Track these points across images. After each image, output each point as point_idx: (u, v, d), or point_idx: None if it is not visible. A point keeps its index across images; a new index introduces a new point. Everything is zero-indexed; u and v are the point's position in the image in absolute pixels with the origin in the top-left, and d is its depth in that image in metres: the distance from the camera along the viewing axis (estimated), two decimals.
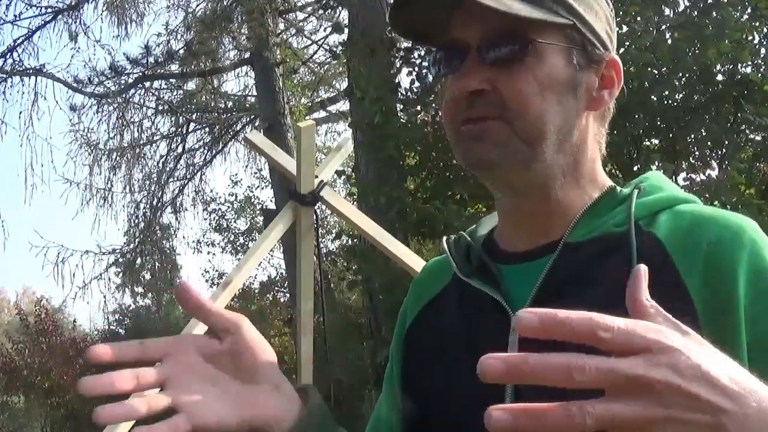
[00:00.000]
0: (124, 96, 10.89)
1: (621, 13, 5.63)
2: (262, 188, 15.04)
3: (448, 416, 0.86)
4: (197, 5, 10.81)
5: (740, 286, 0.75)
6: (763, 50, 5.71)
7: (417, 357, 0.95)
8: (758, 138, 5.69)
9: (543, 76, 0.82)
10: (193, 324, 3.05)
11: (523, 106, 0.82)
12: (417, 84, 6.76)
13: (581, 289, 0.81)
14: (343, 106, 10.91)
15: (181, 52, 10.70)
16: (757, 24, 5.62)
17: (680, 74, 5.62)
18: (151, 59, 10.61)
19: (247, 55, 10.74)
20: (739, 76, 5.49)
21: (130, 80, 10.86)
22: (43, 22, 10.41)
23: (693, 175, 5.60)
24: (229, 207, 15.57)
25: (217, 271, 15.56)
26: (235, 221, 15.81)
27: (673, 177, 5.23)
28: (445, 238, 0.98)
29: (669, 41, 5.60)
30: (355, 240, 7.26)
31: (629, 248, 0.81)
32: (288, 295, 11.89)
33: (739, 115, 5.45)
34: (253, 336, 0.78)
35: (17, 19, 10.23)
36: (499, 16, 0.80)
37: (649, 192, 0.87)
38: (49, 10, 10.45)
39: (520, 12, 0.80)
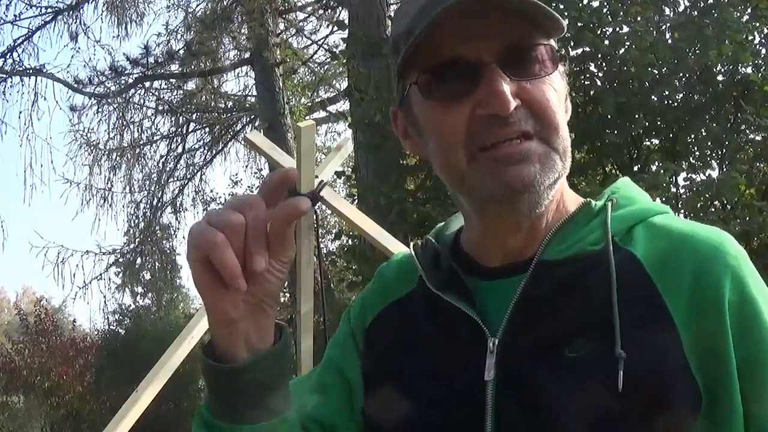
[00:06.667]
0: (124, 96, 10.89)
1: (621, 13, 5.63)
2: None
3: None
4: (197, 5, 10.82)
5: (726, 311, 0.74)
6: (763, 51, 5.70)
7: (381, 362, 0.89)
8: (758, 138, 5.68)
9: (558, 87, 0.81)
10: (193, 324, 3.05)
11: (554, 119, 0.79)
12: None
13: (558, 311, 0.78)
14: (343, 106, 10.92)
15: (181, 52, 10.70)
16: (758, 24, 5.61)
17: (681, 74, 5.62)
18: (151, 59, 10.62)
19: (247, 55, 10.74)
20: (740, 77, 5.48)
21: (130, 80, 10.86)
22: (43, 22, 10.41)
23: (693, 175, 5.60)
24: None
25: None
26: None
27: (673, 177, 5.23)
28: (412, 244, 0.94)
29: (669, 41, 5.59)
30: (355, 240, 7.24)
31: (608, 268, 0.77)
32: (288, 295, 11.87)
33: (739, 115, 5.44)
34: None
35: (17, 19, 10.25)
36: (522, 29, 0.76)
37: (623, 204, 0.84)
38: (49, 10, 10.46)
39: (562, 23, 0.77)
